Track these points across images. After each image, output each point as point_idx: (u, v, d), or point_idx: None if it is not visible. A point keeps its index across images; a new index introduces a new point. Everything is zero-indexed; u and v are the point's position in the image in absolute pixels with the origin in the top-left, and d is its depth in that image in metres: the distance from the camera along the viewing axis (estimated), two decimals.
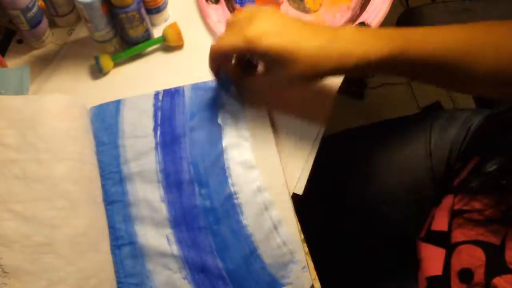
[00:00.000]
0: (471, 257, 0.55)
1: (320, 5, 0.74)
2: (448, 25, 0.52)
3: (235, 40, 0.53)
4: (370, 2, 0.71)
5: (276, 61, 0.52)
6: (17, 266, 0.54)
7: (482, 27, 0.52)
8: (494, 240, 0.55)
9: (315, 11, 0.73)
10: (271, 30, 0.52)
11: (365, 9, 0.71)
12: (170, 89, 0.66)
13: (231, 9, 0.73)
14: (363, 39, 0.50)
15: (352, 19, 0.71)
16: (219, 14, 0.72)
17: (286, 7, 0.74)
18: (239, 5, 0.74)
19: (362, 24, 0.69)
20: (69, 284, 0.54)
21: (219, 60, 0.58)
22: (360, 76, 0.53)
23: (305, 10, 0.74)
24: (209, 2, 0.73)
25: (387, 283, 0.70)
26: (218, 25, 0.71)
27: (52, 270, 0.54)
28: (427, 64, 0.51)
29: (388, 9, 0.70)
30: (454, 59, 0.50)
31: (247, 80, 0.61)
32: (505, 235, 0.54)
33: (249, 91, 0.63)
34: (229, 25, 0.56)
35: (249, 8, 0.55)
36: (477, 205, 0.59)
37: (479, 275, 0.54)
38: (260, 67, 0.61)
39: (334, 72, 0.51)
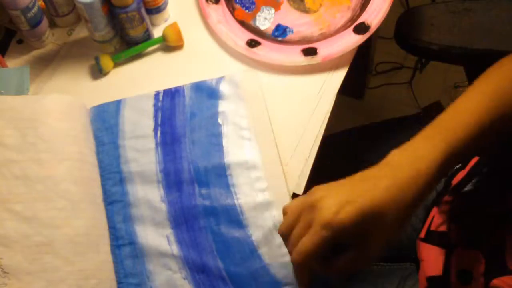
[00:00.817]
0: (471, 258, 0.55)
1: (320, 5, 0.74)
2: (466, 91, 0.50)
3: (315, 235, 0.45)
4: (370, 2, 0.71)
5: (364, 228, 0.45)
6: (17, 266, 0.54)
7: (498, 72, 0.51)
8: (494, 241, 0.55)
9: (315, 11, 0.73)
10: (339, 202, 0.45)
11: (365, 9, 0.71)
12: (170, 89, 0.66)
13: (231, 9, 0.73)
14: (412, 160, 0.47)
15: (352, 19, 0.71)
16: (219, 14, 0.72)
17: (286, 7, 0.74)
18: (239, 5, 0.74)
19: (362, 24, 0.69)
20: (69, 284, 0.54)
21: (309, 268, 0.48)
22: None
23: (305, 10, 0.74)
24: (209, 2, 0.73)
25: (387, 283, 0.70)
26: (218, 25, 0.71)
27: (52, 270, 0.54)
28: (476, 136, 0.48)
29: (388, 9, 0.70)
30: (492, 115, 0.48)
31: (341, 268, 0.50)
32: (504, 236, 0.54)
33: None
34: (290, 225, 0.48)
35: (296, 201, 0.48)
36: (477, 205, 0.59)
37: (478, 276, 0.54)
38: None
39: (420, 197, 0.46)
